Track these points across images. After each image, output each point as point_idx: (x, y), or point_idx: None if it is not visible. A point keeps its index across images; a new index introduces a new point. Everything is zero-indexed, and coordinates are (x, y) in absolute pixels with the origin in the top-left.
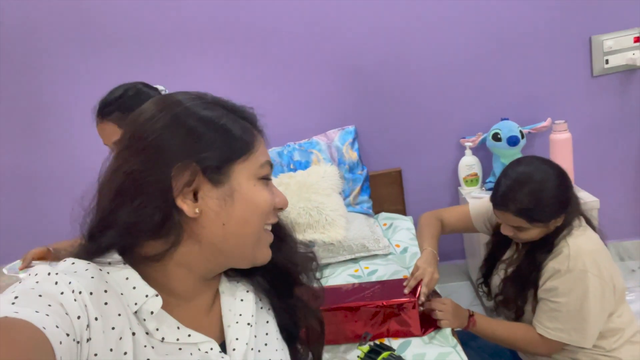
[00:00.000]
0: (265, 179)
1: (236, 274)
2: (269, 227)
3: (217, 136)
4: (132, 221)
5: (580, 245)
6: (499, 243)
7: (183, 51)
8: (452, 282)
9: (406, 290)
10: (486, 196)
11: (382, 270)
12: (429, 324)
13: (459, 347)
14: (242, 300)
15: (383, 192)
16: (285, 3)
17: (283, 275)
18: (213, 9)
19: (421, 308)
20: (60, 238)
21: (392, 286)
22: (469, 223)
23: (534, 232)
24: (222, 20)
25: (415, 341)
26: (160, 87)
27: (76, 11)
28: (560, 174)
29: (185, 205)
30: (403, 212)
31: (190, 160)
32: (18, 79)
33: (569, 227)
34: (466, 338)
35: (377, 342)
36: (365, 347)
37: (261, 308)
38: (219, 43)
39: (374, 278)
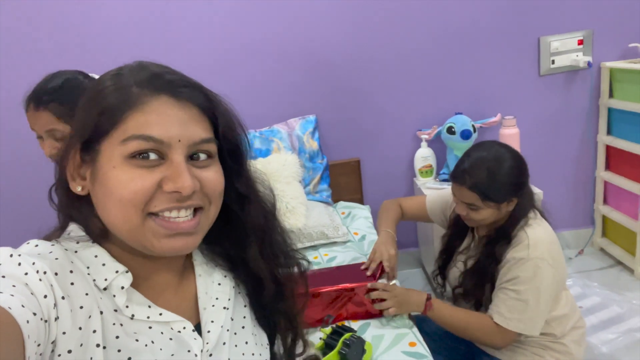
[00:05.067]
0: (140, 155)
1: (214, 257)
2: (166, 213)
3: (87, 110)
4: (57, 203)
5: (538, 235)
6: (455, 234)
7: (131, 30)
8: (405, 269)
9: (368, 273)
10: (442, 187)
11: (341, 257)
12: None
13: (415, 329)
14: (219, 284)
15: (342, 181)
16: None
17: (257, 281)
18: None
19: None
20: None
21: (349, 270)
22: (425, 213)
23: (485, 213)
24: (185, 4)
25: (374, 323)
26: (96, 76)
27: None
28: (518, 158)
29: (71, 180)
30: (361, 201)
31: (72, 137)
32: None
33: (525, 219)
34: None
35: (339, 324)
36: (328, 329)
37: (239, 293)
38: (182, 27)
39: (333, 264)
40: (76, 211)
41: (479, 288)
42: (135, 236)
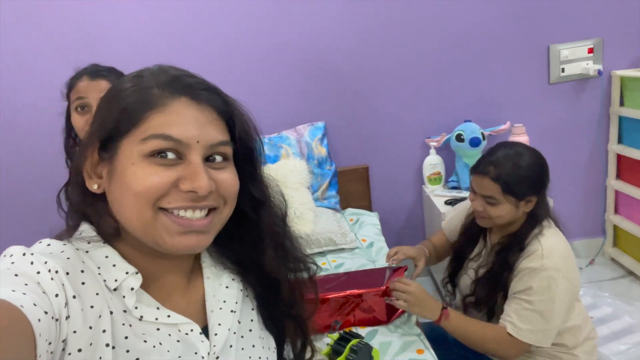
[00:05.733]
0: (158, 154)
1: (222, 260)
2: (181, 212)
3: (109, 110)
4: (71, 201)
5: (553, 244)
6: (466, 241)
7: (144, 32)
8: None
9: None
10: (451, 195)
11: (349, 264)
12: (394, 312)
13: (423, 336)
14: (227, 287)
15: (350, 188)
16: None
17: (270, 284)
18: None
19: (387, 299)
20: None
21: (357, 276)
22: (446, 237)
23: (503, 209)
24: (195, 10)
25: (381, 329)
26: None
27: None
28: (541, 158)
29: (87, 177)
30: (369, 208)
31: (92, 135)
32: None
33: (539, 227)
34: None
35: (346, 330)
36: (335, 335)
37: (247, 296)
38: (192, 33)
39: (341, 271)
40: (91, 209)
41: (491, 297)
42: (148, 232)
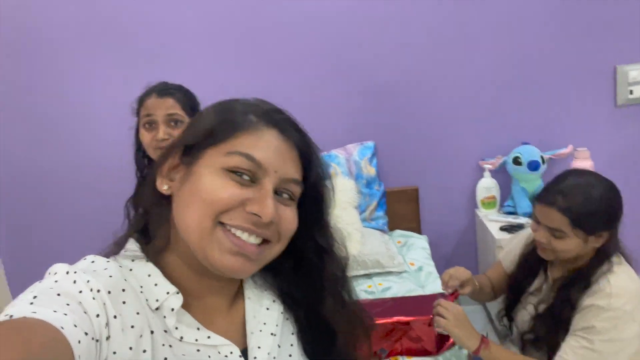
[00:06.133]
0: (236, 172)
1: (264, 282)
2: (238, 232)
3: (207, 119)
4: (140, 200)
5: (623, 284)
6: (525, 274)
7: (205, 54)
8: (463, 305)
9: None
10: (506, 220)
11: (396, 288)
12: (443, 343)
13: None
14: (267, 309)
15: (399, 209)
16: (309, 17)
17: (324, 331)
18: (237, 11)
19: (437, 329)
20: (73, 236)
21: (406, 303)
22: (503, 270)
23: (570, 243)
24: (245, 24)
25: None
26: None
27: (92, 12)
28: (615, 190)
29: (159, 180)
30: (418, 230)
31: (180, 140)
32: (33, 78)
33: (608, 263)
34: None
35: (392, 359)
36: None
37: (287, 319)
38: (241, 48)
39: (387, 295)
40: (156, 209)
41: (551, 336)
42: (202, 243)
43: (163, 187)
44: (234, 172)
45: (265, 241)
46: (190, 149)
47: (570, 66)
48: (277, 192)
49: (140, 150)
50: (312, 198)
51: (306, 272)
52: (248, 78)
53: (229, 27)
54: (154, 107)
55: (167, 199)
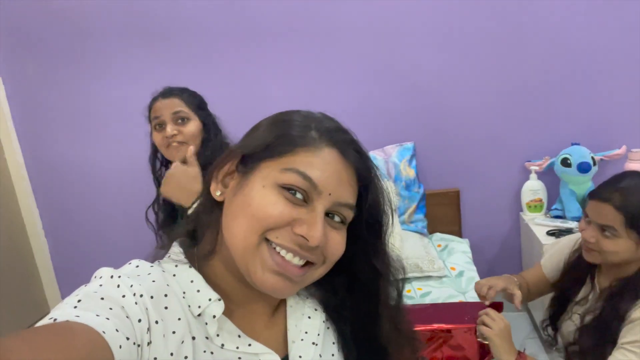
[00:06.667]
0: (289, 189)
1: (306, 291)
2: (283, 251)
3: (267, 130)
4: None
5: None
6: (571, 282)
7: (242, 53)
8: (507, 311)
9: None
10: (554, 225)
11: (436, 293)
12: (486, 353)
13: None
14: (309, 317)
15: (439, 212)
16: (349, 18)
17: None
18: (275, 9)
19: (479, 339)
20: (110, 232)
21: (446, 310)
22: (544, 277)
23: (620, 245)
24: (283, 26)
25: None
26: None
27: (127, 11)
28: None
29: (213, 184)
30: (459, 234)
31: (238, 148)
32: (68, 76)
33: None
34: None
35: None
36: None
37: (328, 328)
38: (278, 49)
39: (427, 301)
40: (207, 213)
41: (598, 348)
42: (245, 257)
43: (216, 192)
44: (287, 189)
45: (308, 263)
46: (247, 158)
47: (624, 61)
48: (327, 214)
49: (156, 155)
50: (368, 222)
51: (360, 294)
52: (286, 78)
53: (266, 27)
54: (160, 108)
55: (218, 205)
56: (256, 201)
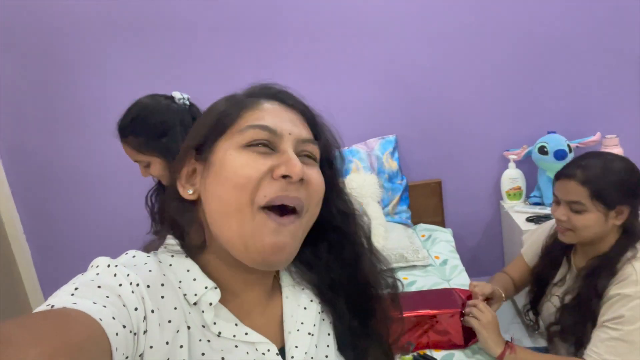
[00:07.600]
0: (256, 145)
1: (302, 280)
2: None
3: (206, 117)
4: (168, 210)
5: None
6: (548, 264)
7: (227, 48)
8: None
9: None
10: (532, 211)
11: (421, 282)
12: (471, 335)
13: None
14: (305, 308)
15: (422, 202)
16: (329, 13)
17: (362, 305)
18: (258, 5)
19: (462, 319)
20: (93, 236)
21: (431, 296)
22: (526, 266)
23: (590, 218)
24: (265, 22)
25: (458, 354)
26: (177, 95)
27: (114, 8)
28: (634, 166)
29: (181, 187)
30: (442, 224)
31: (187, 145)
32: (47, 75)
33: (633, 250)
34: None
35: (420, 352)
36: (409, 357)
37: (323, 320)
38: (262, 41)
39: (412, 289)
40: (187, 215)
41: (578, 326)
42: (244, 231)
43: (187, 192)
44: (251, 146)
45: (294, 214)
46: (201, 147)
47: (597, 50)
48: (297, 156)
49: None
50: (325, 162)
51: (339, 244)
52: (267, 73)
53: (250, 24)
54: (124, 149)
55: (192, 203)
56: (230, 169)
